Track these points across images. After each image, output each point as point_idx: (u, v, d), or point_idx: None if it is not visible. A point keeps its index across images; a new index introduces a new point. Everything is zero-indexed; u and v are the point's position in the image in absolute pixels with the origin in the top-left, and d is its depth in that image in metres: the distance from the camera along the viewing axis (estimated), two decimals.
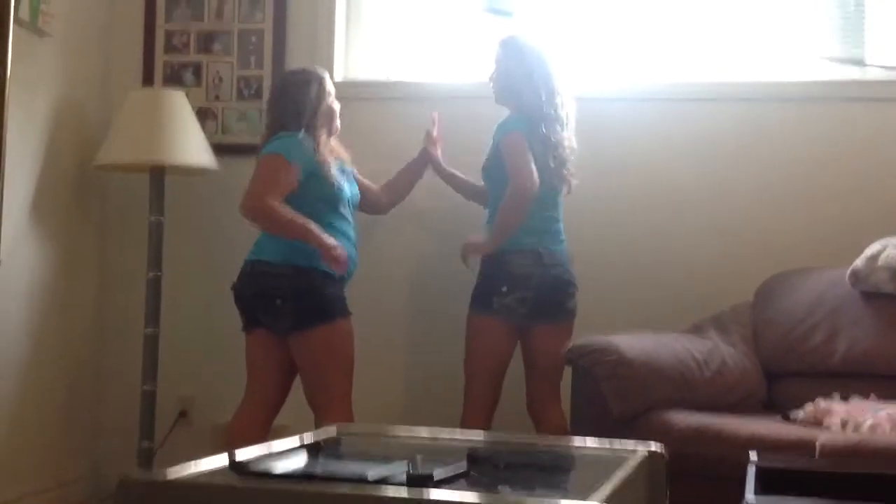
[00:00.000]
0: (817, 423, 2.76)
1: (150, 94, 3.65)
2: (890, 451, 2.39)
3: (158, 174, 3.53)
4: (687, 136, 3.59)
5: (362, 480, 1.58)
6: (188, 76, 3.86)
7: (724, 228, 3.55)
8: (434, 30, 3.84)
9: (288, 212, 3.06)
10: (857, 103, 3.52)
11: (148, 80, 3.86)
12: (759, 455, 1.69)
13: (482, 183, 3.31)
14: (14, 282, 3.33)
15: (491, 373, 3.19)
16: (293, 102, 3.17)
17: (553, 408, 3.20)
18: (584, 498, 1.51)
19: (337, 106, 3.27)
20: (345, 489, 1.48)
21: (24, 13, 3.21)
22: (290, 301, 3.06)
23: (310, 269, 3.07)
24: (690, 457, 2.52)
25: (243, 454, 1.74)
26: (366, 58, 3.87)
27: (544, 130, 3.15)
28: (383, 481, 1.57)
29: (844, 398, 2.90)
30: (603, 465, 1.82)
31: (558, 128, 3.18)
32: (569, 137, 3.23)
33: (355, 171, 3.35)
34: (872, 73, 3.57)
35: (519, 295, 3.11)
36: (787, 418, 2.87)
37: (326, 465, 1.72)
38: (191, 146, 3.50)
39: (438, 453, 2.12)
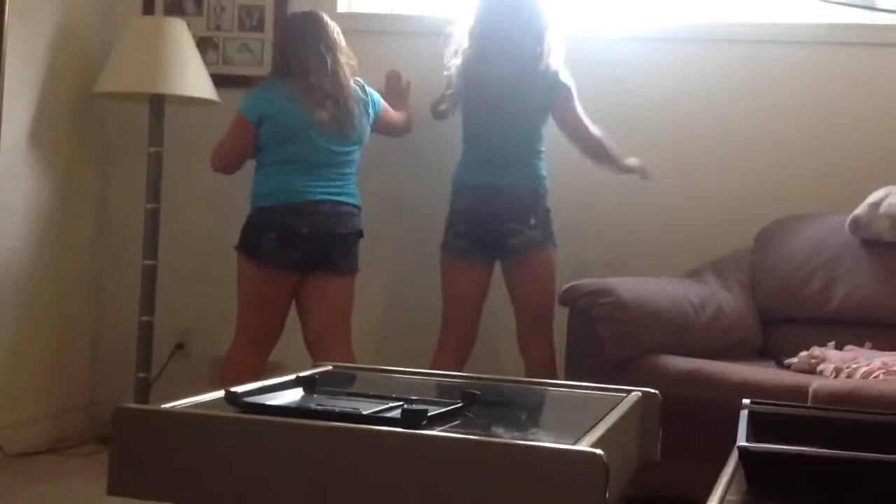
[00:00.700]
0: (811, 370, 2.78)
1: (150, 22, 3.60)
2: (883, 398, 2.40)
3: (158, 104, 3.50)
4: (688, 77, 3.56)
5: (357, 416, 1.59)
6: (189, 5, 3.81)
7: (725, 174, 3.53)
8: None
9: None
10: (866, 48, 3.48)
11: (149, 8, 3.81)
12: (751, 400, 1.70)
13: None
14: (12, 210, 3.32)
15: (449, 309, 3.24)
16: (279, 52, 3.29)
17: (533, 345, 3.20)
18: (577, 438, 1.52)
19: (334, 47, 3.22)
20: (339, 424, 1.50)
21: None
22: (354, 243, 3.21)
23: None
24: (684, 401, 2.53)
25: (239, 388, 1.75)
26: None
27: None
28: (378, 417, 1.59)
29: (839, 346, 2.91)
30: (596, 407, 1.83)
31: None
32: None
33: (382, 106, 3.35)
34: (882, 18, 3.52)
35: (455, 230, 3.18)
36: (781, 364, 2.89)
37: (322, 401, 1.74)
38: (191, 76, 3.47)
39: (433, 392, 2.14)
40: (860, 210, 3.16)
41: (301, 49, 3.20)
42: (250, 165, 3.28)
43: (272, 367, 3.14)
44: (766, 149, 3.52)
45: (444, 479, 1.41)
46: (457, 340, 3.24)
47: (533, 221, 3.15)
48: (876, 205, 3.14)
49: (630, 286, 2.96)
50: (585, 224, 3.49)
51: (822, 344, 2.92)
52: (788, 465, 1.34)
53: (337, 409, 1.62)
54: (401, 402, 1.69)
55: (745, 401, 1.72)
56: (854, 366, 2.70)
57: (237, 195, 3.33)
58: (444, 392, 2.15)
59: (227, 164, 3.28)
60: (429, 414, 1.56)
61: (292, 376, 1.94)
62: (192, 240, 3.79)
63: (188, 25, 3.56)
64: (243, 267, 3.19)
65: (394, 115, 3.42)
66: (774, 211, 3.39)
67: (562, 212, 3.27)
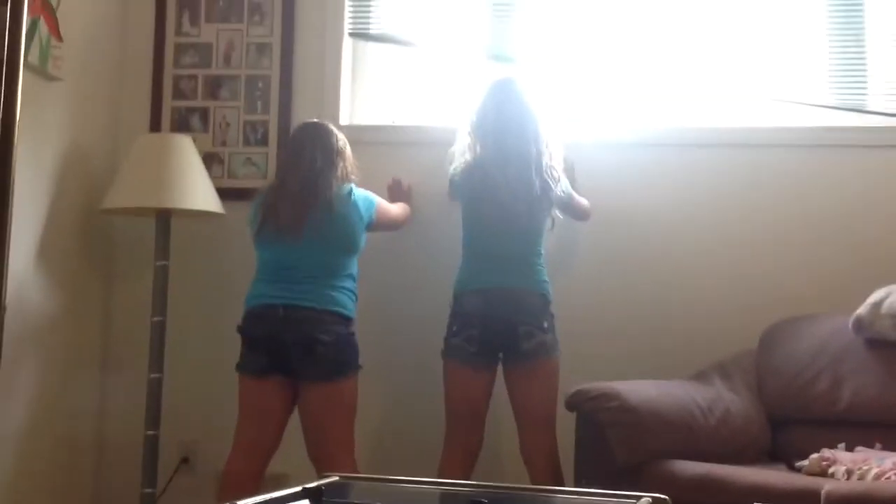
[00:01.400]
0: (822, 472, 2.75)
1: (157, 139, 3.68)
2: (895, 501, 2.37)
3: (165, 218, 3.55)
4: (689, 181, 3.61)
5: None
6: (195, 121, 3.89)
7: (728, 275, 3.55)
8: (438, 75, 3.88)
9: None
10: (861, 150, 3.54)
11: (156, 125, 3.89)
12: None
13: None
14: (20, 325, 3.33)
15: (455, 415, 3.20)
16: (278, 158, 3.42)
17: (538, 451, 3.15)
18: None
19: (331, 153, 3.25)
20: None
21: (34, 57, 3.25)
22: (333, 347, 3.11)
23: (350, 318, 3.16)
24: None
25: (247, 501, 1.73)
26: (371, 103, 3.91)
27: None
28: None
29: (849, 447, 2.88)
30: None
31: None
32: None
33: (375, 203, 3.35)
34: (873, 120, 3.59)
35: (466, 334, 3.14)
36: (791, 467, 2.86)
37: None
38: (197, 191, 3.52)
39: (440, 501, 2.11)
40: (862, 310, 3.17)
41: (291, 154, 3.28)
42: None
43: (275, 478, 3.10)
44: (767, 250, 3.54)
45: None
46: (462, 448, 3.20)
47: (545, 325, 3.15)
48: (878, 304, 3.15)
49: (636, 390, 2.95)
50: (587, 325, 3.49)
51: (832, 445, 2.90)
52: None
53: None
54: None
55: None
56: (865, 467, 2.67)
57: (243, 307, 3.34)
58: (452, 501, 2.12)
59: None
60: None
61: (298, 488, 1.92)
62: (198, 353, 3.79)
63: (194, 141, 3.63)
64: (239, 377, 3.21)
65: (392, 209, 3.45)
66: (777, 312, 3.39)
67: (564, 314, 3.28)
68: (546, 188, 3.22)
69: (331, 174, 3.21)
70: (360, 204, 3.27)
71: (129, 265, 3.86)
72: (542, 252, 3.25)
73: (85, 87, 3.68)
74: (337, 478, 2.19)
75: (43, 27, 3.30)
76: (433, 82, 3.89)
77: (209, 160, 3.78)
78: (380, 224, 3.37)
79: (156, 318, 3.50)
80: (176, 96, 3.91)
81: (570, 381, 3.08)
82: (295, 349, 3.09)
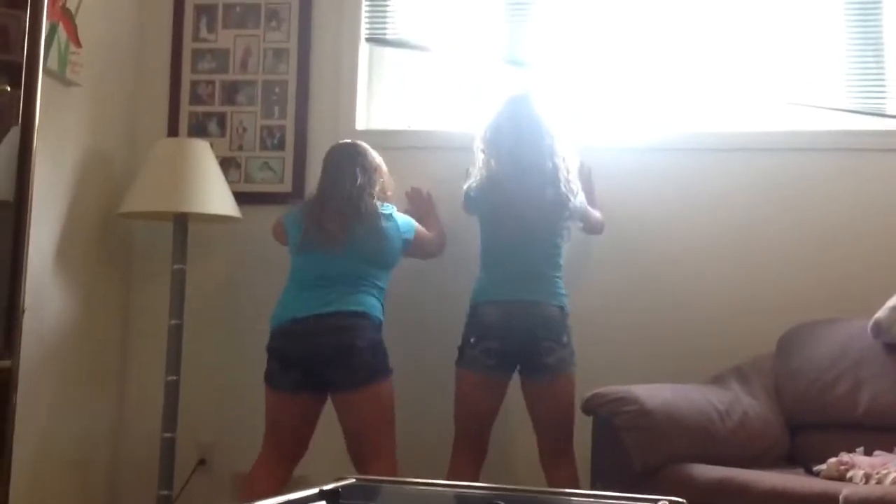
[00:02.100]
0: (841, 476, 2.74)
1: (175, 143, 3.70)
2: None
3: (182, 222, 3.57)
4: (705, 186, 3.60)
5: None
6: (213, 126, 3.91)
7: (745, 279, 3.54)
8: (454, 80, 3.88)
9: None
10: (879, 154, 3.53)
11: (173, 130, 3.92)
12: None
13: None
14: (39, 327, 3.36)
15: (466, 425, 3.20)
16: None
17: (557, 466, 3.15)
18: None
19: (370, 170, 3.32)
20: None
21: (53, 63, 3.27)
22: (369, 352, 3.13)
23: (380, 322, 3.18)
24: None
25: (263, 502, 1.74)
26: (387, 107, 3.92)
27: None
28: None
29: (867, 451, 2.87)
30: None
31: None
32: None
33: (415, 226, 3.39)
34: (891, 124, 3.57)
35: (485, 346, 3.13)
36: (809, 471, 2.85)
37: None
38: (214, 195, 3.54)
39: (456, 503, 2.11)
40: (881, 314, 3.15)
41: (333, 171, 3.30)
42: (272, 282, 3.33)
43: (296, 481, 3.11)
44: (785, 254, 3.53)
45: None
46: (471, 454, 3.20)
47: (565, 339, 3.15)
48: None
49: (653, 393, 2.94)
50: (604, 329, 3.48)
51: (850, 449, 2.88)
52: None
53: None
54: None
55: None
56: (884, 472, 2.65)
57: (259, 310, 3.36)
58: (468, 503, 2.12)
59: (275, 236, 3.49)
60: None
61: (315, 490, 1.93)
62: (214, 355, 3.80)
63: (212, 146, 3.65)
64: (268, 390, 3.22)
65: (429, 236, 3.48)
66: (795, 316, 3.38)
67: (581, 317, 3.27)
68: (563, 201, 3.22)
69: (371, 190, 3.27)
70: (401, 224, 3.33)
71: (147, 269, 3.88)
72: (561, 264, 3.24)
73: (103, 92, 3.70)
74: (353, 480, 2.20)
75: (62, 33, 3.33)
76: (449, 87, 3.89)
77: (226, 165, 3.80)
78: (416, 247, 3.40)
79: (173, 322, 3.52)
80: (193, 101, 3.93)
81: (588, 384, 3.07)
82: (332, 358, 3.10)
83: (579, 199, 3.28)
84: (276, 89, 3.88)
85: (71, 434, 3.58)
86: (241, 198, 3.66)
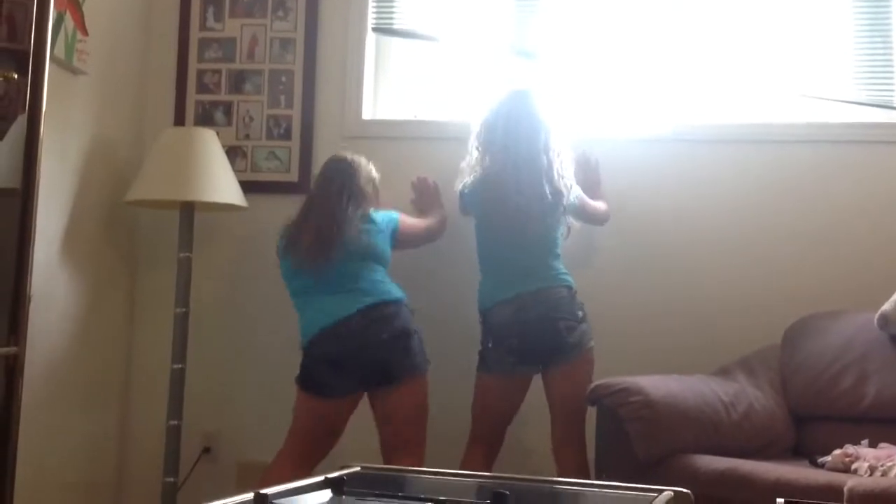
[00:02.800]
0: (845, 468, 2.74)
1: (181, 132, 3.70)
2: None
3: (188, 211, 3.57)
4: (715, 177, 3.60)
5: None
6: (219, 115, 3.91)
7: (752, 271, 3.54)
8: (461, 70, 3.88)
9: None
10: (886, 146, 3.52)
11: (180, 119, 3.92)
12: (786, 500, 1.68)
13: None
14: (45, 315, 3.36)
15: (483, 423, 3.22)
16: None
17: (567, 450, 3.16)
18: None
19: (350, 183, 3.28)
20: None
21: (60, 51, 3.27)
22: (418, 337, 3.17)
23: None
24: (717, 501, 2.50)
25: (268, 489, 1.74)
26: (394, 97, 3.92)
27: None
28: None
29: (873, 444, 2.87)
30: None
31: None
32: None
33: (399, 219, 3.36)
34: None
35: (505, 345, 3.13)
36: (814, 463, 2.85)
37: (350, 503, 1.73)
38: (221, 184, 3.54)
39: (463, 493, 2.11)
40: (888, 306, 3.14)
41: (320, 189, 3.29)
42: (277, 270, 3.33)
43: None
44: (791, 246, 3.53)
45: None
46: (488, 447, 3.22)
47: (580, 314, 3.17)
48: None
49: (658, 384, 2.94)
50: (610, 321, 3.48)
51: (856, 441, 2.88)
52: None
53: None
54: None
55: (780, 500, 1.70)
56: (889, 464, 2.65)
57: (265, 299, 3.36)
58: (474, 492, 2.13)
59: None
60: None
61: (321, 478, 1.93)
62: (220, 344, 3.81)
63: (218, 135, 3.65)
64: (298, 393, 3.20)
65: (416, 222, 3.45)
66: (802, 308, 3.38)
67: (587, 309, 3.26)
68: (558, 196, 3.21)
69: (355, 214, 3.22)
70: (380, 220, 3.30)
71: (153, 257, 3.88)
72: (559, 253, 3.24)
73: (110, 81, 3.70)
74: (359, 468, 2.20)
75: (69, 21, 3.33)
76: (456, 77, 3.89)
77: (233, 154, 3.80)
78: (404, 236, 3.37)
79: (179, 310, 3.53)
80: (200, 90, 3.93)
81: (593, 375, 3.07)
82: (390, 348, 3.10)
83: (574, 194, 3.27)
84: (283, 78, 3.88)
85: (77, 423, 3.59)
86: (248, 187, 3.66)
